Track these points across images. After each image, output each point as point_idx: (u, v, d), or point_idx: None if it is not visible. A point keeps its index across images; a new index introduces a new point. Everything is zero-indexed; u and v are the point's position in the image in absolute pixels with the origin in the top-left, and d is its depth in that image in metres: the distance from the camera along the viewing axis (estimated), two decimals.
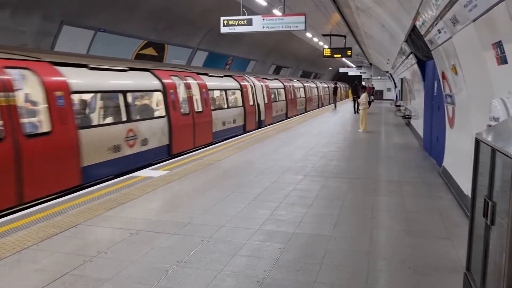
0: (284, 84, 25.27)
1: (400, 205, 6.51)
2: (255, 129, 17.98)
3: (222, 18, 11.23)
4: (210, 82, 14.64)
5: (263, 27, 10.90)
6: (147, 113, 11.01)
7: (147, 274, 4.11)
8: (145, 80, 10.97)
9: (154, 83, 11.19)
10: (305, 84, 31.96)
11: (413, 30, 9.51)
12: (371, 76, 47.39)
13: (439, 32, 6.78)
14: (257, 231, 5.31)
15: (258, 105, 19.36)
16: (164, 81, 11.46)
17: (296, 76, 38.70)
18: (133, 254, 4.58)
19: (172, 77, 12.07)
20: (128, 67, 10.38)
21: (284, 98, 24.90)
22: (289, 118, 24.20)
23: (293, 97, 26.72)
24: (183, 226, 5.49)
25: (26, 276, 4.07)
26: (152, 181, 7.97)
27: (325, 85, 43.14)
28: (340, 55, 23.60)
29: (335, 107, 31.76)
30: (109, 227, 5.46)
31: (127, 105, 9.80)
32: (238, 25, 11.03)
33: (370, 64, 45.18)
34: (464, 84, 6.29)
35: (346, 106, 33.56)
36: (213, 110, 14.34)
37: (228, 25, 11.10)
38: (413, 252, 4.69)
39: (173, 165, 9.62)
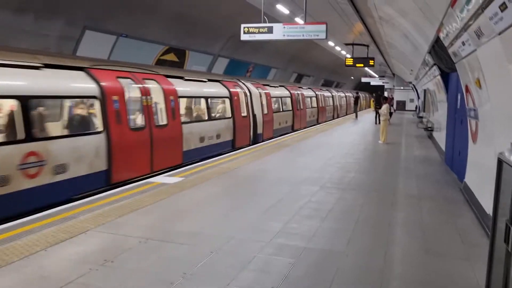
0: (291, 92, 22.48)
1: (418, 222, 6.29)
2: (249, 145, 15.32)
3: (242, 25, 11.18)
4: (183, 87, 11.94)
5: (284, 35, 10.80)
6: (69, 129, 8.56)
7: (152, 286, 4.01)
8: (70, 82, 8.10)
9: (86, 86, 8.35)
10: (318, 93, 28.89)
11: (437, 41, 9.28)
12: (393, 86, 46.80)
13: (463, 45, 6.57)
14: (268, 244, 5.18)
15: (255, 116, 16.55)
16: (104, 84, 8.64)
17: (318, 84, 38.44)
18: (140, 264, 4.50)
19: (120, 80, 9.24)
20: (43, 64, 7.63)
21: (290, 108, 21.97)
22: (296, 131, 21.43)
23: (301, 107, 23.87)
24: (193, 236, 5.39)
25: (30, 283, 4.02)
26: (165, 188, 7.91)
27: (342, 94, 40.05)
28: (362, 65, 23.35)
29: (356, 117, 31.40)
30: (119, 234, 5.40)
31: (28, 117, 6.89)
32: (259, 32, 10.95)
33: (393, 74, 44.65)
34: (488, 98, 6.06)
35: (367, 117, 33.15)
36: (185, 123, 11.55)
37: (248, 32, 11.03)
38: (429, 273, 4.49)
39: (188, 172, 9.57)
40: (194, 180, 8.69)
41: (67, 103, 8.96)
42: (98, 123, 8.59)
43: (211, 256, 4.74)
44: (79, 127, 8.52)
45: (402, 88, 45.35)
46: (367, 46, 23.97)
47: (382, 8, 12.30)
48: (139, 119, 10.02)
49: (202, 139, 12.34)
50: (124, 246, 4.97)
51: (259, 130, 16.89)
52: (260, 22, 11.45)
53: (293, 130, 21.72)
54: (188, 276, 4.23)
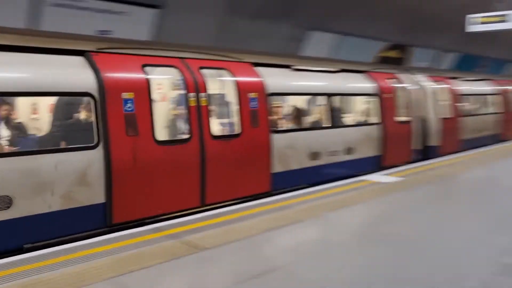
0: (501, 87, 16.75)
1: None
2: (408, 162, 11.00)
3: (471, 16, 10.13)
4: (283, 80, 8.95)
5: None
6: (10, 143, 5.73)
7: (352, 283, 3.96)
8: (42, 73, 5.60)
9: (69, 79, 5.78)
10: None
11: None
12: None
13: None
14: (492, 262, 4.52)
15: (425, 121, 12.37)
16: (108, 75, 5.98)
17: None
18: (344, 260, 4.51)
19: (148, 69, 6.51)
20: None
21: (497, 110, 16.29)
22: (507, 141, 15.82)
23: None
24: (402, 240, 5.09)
25: (242, 263, 4.43)
26: (379, 187, 7.74)
27: None
28: None
29: None
30: (328, 228, 5.58)
31: None
32: (491, 22, 9.75)
33: None
34: None
35: None
36: (280, 132, 8.32)
37: (478, 23, 9.95)
38: None
39: (406, 171, 9.16)
40: (412, 181, 8.27)
41: (20, 103, 6.34)
42: (88, 133, 5.79)
43: (418, 265, 4.36)
44: (38, 140, 5.99)
45: None
46: None
47: None
48: (179, 128, 7.40)
49: (314, 156, 8.80)
50: (332, 241, 5.09)
51: (433, 142, 12.54)
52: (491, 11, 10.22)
53: (500, 140, 16.09)
54: (387, 280, 4.03)
